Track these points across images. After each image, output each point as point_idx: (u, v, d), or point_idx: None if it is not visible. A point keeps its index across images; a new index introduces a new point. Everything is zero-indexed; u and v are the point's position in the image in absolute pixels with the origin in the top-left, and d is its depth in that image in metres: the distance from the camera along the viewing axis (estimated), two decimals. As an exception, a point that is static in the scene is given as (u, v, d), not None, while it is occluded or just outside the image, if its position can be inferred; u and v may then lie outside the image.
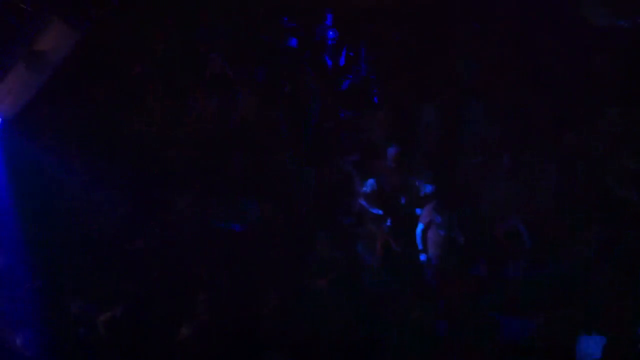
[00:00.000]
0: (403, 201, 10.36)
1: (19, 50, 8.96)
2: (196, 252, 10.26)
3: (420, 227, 9.87)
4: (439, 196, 10.03)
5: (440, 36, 11.68)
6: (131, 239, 10.32)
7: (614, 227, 9.51)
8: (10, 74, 9.08)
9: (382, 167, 10.75)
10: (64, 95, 10.05)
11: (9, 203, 9.75)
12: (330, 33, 11.83)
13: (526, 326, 8.74)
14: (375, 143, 11.16)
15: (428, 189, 10.14)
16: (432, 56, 11.69)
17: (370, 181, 10.21)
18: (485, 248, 9.92)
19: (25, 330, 8.97)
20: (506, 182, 10.42)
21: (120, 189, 10.64)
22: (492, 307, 9.06)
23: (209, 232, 10.43)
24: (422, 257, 9.80)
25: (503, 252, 9.90)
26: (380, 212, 9.90)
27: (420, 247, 9.82)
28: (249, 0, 12.29)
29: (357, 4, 12.37)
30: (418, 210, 10.13)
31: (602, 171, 10.17)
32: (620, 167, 10.01)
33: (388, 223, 9.74)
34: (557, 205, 10.14)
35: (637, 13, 10.80)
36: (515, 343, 8.60)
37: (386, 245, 9.52)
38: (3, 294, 9.29)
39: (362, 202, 10.02)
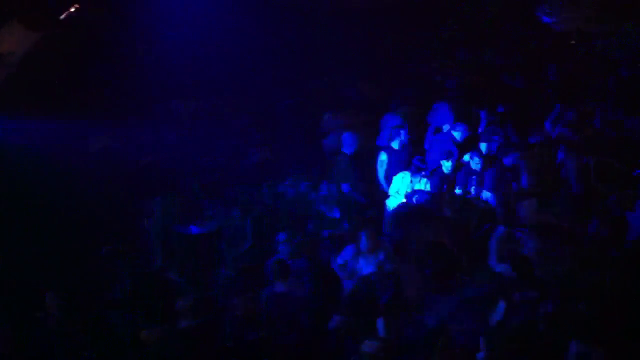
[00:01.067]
0: (367, 205, 10.20)
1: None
2: (166, 257, 10.15)
3: (391, 232, 9.63)
4: (412, 201, 9.76)
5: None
6: (101, 242, 10.24)
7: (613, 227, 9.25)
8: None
9: (349, 170, 10.53)
10: (23, 98, 9.98)
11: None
12: None
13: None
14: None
15: (398, 194, 9.94)
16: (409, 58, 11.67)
17: (329, 185, 10.06)
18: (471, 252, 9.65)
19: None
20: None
21: (88, 193, 10.58)
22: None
23: (177, 236, 10.25)
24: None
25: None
26: (338, 215, 9.70)
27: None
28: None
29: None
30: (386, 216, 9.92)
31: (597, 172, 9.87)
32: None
33: (347, 226, 9.52)
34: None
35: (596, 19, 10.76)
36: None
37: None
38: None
39: (322, 206, 9.83)
